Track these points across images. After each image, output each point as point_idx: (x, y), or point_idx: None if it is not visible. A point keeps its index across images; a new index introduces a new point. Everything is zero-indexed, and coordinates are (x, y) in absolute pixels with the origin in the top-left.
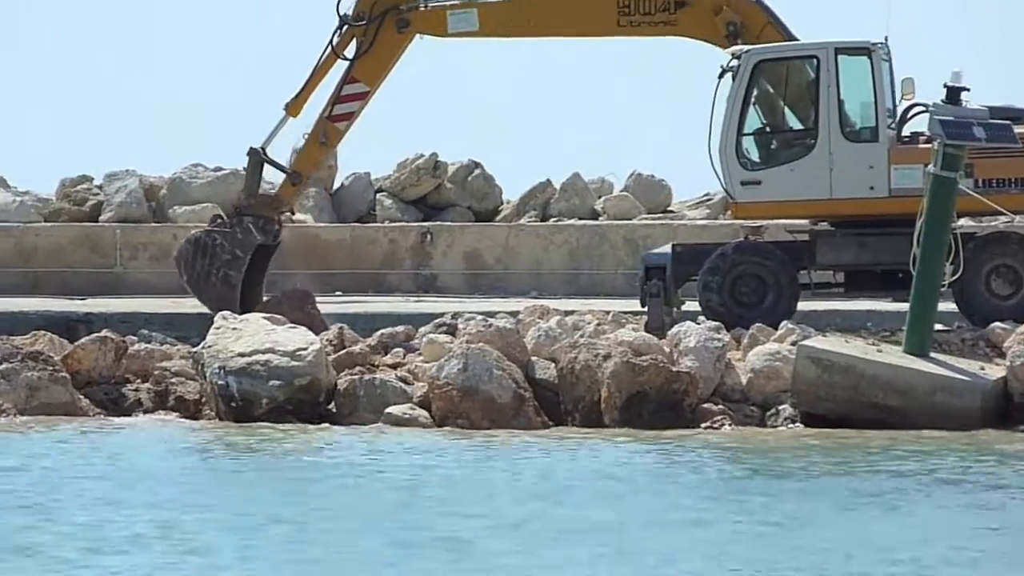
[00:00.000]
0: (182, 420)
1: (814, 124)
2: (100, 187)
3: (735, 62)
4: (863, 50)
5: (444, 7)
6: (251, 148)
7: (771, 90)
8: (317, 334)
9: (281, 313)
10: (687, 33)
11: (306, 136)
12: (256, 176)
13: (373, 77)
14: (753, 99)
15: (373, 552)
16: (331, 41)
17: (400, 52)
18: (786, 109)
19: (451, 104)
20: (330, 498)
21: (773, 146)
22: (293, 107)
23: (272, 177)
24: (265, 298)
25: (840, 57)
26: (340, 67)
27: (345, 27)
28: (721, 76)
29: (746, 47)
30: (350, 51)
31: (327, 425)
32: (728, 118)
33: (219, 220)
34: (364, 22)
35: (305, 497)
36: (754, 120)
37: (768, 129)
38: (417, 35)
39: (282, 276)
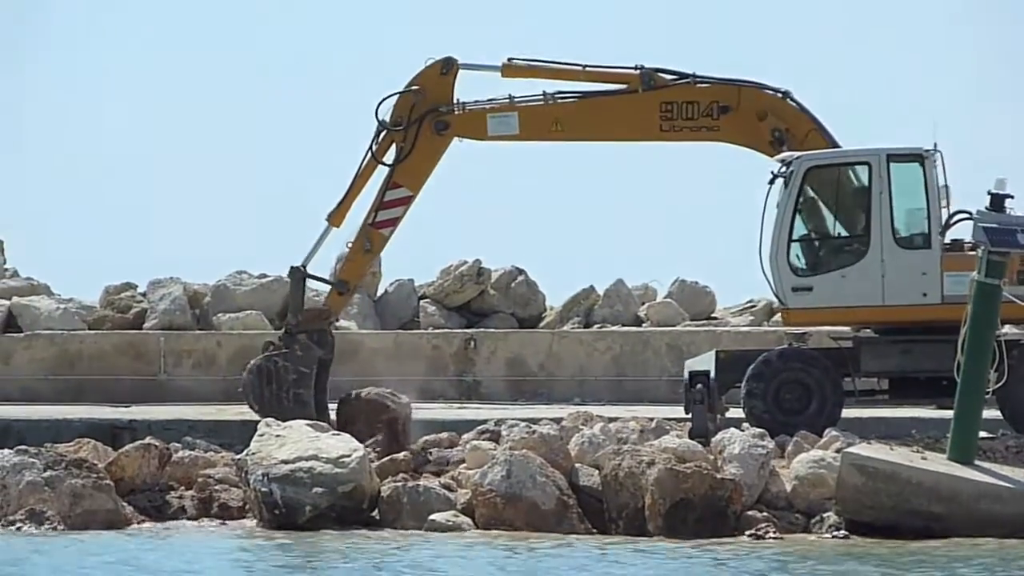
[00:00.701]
0: (227, 527)
1: (866, 230)
2: (144, 294)
3: (786, 168)
4: (915, 156)
5: (484, 110)
6: (292, 268)
7: (822, 196)
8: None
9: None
10: (731, 139)
11: (350, 245)
12: (300, 294)
13: (415, 181)
14: (804, 205)
15: None
16: (370, 147)
17: (440, 155)
18: (837, 215)
19: (494, 210)
20: None
21: (824, 252)
22: (335, 217)
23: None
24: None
25: (892, 163)
26: (380, 173)
27: (384, 132)
28: (772, 182)
29: (796, 153)
30: (389, 156)
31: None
32: (779, 224)
33: (271, 346)
34: (402, 127)
35: None
36: (805, 226)
37: (819, 235)
38: (456, 138)
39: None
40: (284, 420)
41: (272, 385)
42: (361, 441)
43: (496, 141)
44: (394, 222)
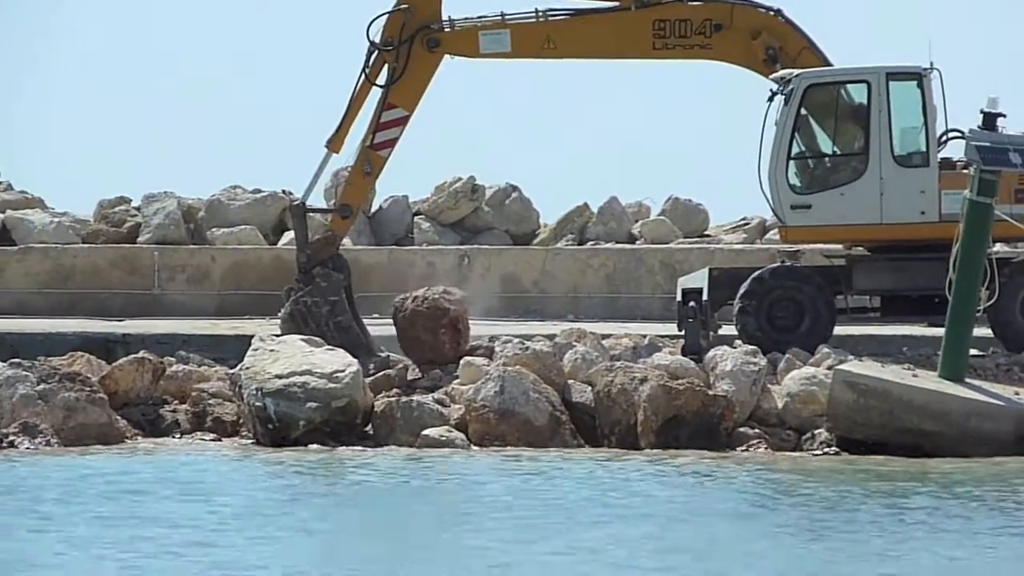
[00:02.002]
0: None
1: (864, 149)
2: (138, 208)
3: (785, 86)
4: (914, 75)
5: (475, 27)
6: (292, 204)
7: (821, 114)
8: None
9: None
10: (724, 57)
11: (350, 169)
12: (304, 229)
13: (410, 101)
14: (803, 123)
15: None
16: (364, 70)
17: (432, 72)
18: (836, 133)
19: (489, 127)
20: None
21: (823, 170)
22: (335, 143)
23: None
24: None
25: (891, 82)
26: (375, 95)
27: (376, 54)
28: (771, 100)
29: (795, 71)
30: (382, 78)
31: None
32: (778, 142)
33: (291, 290)
34: (393, 46)
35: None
36: (804, 144)
37: (818, 153)
38: (448, 56)
39: None
40: None
41: (311, 325)
42: (424, 348)
43: (488, 59)
44: (392, 143)
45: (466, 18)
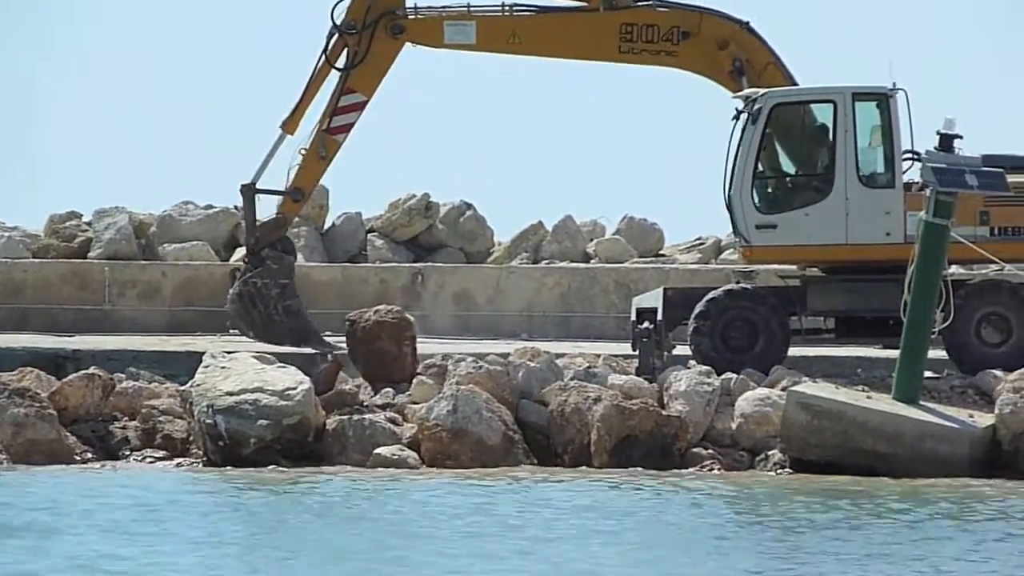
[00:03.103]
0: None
1: (830, 168)
2: (89, 224)
3: (750, 105)
4: (880, 95)
5: (441, 16)
6: (242, 185)
7: (787, 133)
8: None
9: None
10: (689, 66)
11: (304, 152)
12: (253, 211)
13: (369, 86)
14: (768, 142)
15: None
16: (324, 52)
17: (393, 59)
18: (802, 153)
19: (443, 144)
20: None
21: (788, 190)
22: (289, 124)
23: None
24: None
25: (857, 102)
26: (333, 78)
27: (336, 36)
28: (736, 118)
29: (761, 89)
30: (341, 62)
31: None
32: (743, 161)
33: (239, 272)
34: (356, 30)
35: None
36: (770, 163)
37: (784, 173)
38: (410, 44)
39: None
40: (281, 336)
41: (259, 307)
42: (385, 360)
43: (452, 50)
44: (348, 127)
45: (431, 7)
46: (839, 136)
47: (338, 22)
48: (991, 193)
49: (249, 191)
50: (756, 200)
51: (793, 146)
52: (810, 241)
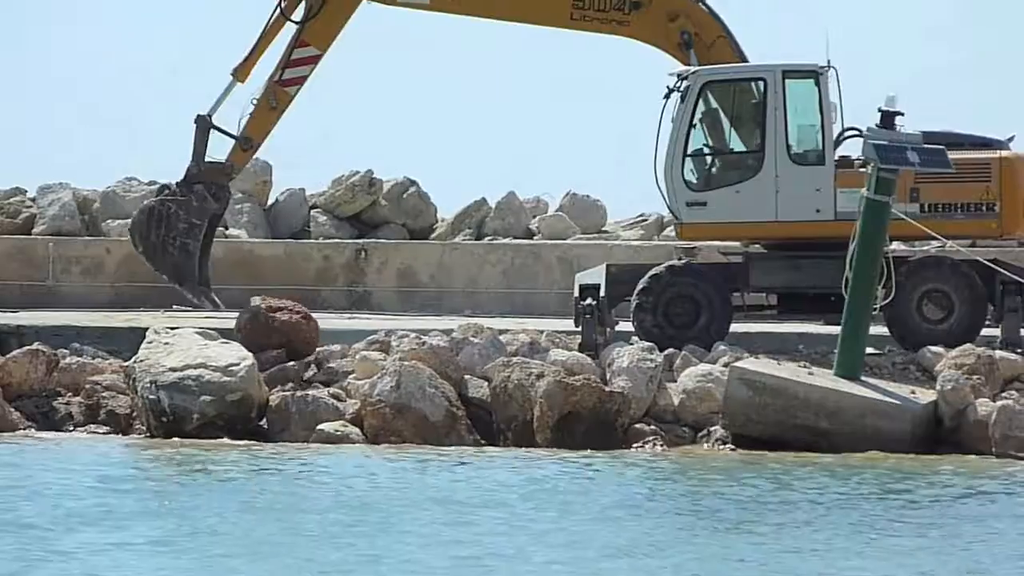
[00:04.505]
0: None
1: (760, 146)
2: (33, 200)
3: (682, 83)
4: (811, 73)
5: None
6: (198, 116)
7: (718, 111)
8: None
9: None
10: (639, 36)
11: (255, 102)
12: (204, 143)
13: (323, 40)
14: (700, 120)
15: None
16: (279, 3)
17: (350, 14)
18: (733, 131)
19: (388, 121)
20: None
21: (719, 167)
22: (241, 72)
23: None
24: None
25: (787, 80)
26: (288, 30)
27: None
28: (667, 96)
29: (692, 68)
30: (299, 15)
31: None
32: (674, 139)
33: (167, 191)
34: None
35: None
36: (700, 141)
37: (714, 150)
38: (365, 1)
39: (215, 290)
40: (166, 267)
41: (160, 229)
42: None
43: (405, 8)
44: (301, 80)
45: None
46: (769, 114)
47: None
48: (933, 171)
49: (204, 122)
50: (687, 177)
51: (724, 124)
52: (741, 218)
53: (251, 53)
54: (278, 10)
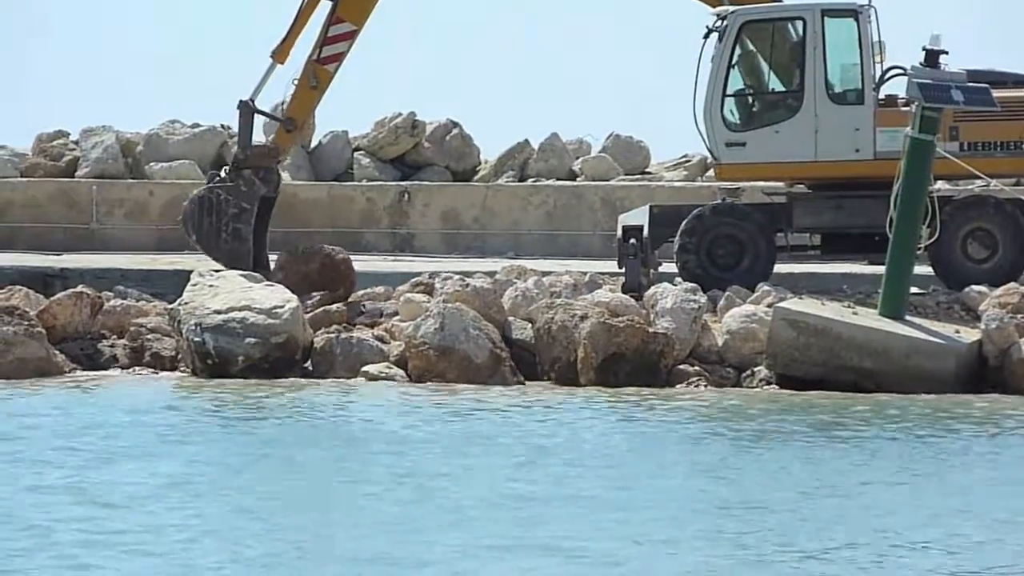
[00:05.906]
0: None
1: (799, 86)
2: (76, 142)
3: (721, 23)
4: (850, 12)
5: None
6: (241, 101)
7: (757, 51)
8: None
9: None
10: None
11: (296, 82)
12: (248, 129)
13: (359, 15)
14: (738, 60)
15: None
16: None
17: None
18: (771, 70)
19: (430, 63)
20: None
21: (758, 107)
22: (280, 53)
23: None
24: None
25: (827, 19)
26: (324, 8)
27: None
28: (706, 36)
29: (731, 8)
30: None
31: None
32: (713, 79)
33: (217, 178)
34: None
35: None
36: (739, 81)
37: (753, 90)
38: None
39: None
40: (221, 253)
41: (212, 216)
42: (313, 289)
43: None
44: (339, 57)
45: None
46: (808, 53)
47: None
48: (978, 109)
49: (247, 107)
50: (726, 118)
51: (762, 64)
52: (779, 158)
53: (288, 33)
54: None
